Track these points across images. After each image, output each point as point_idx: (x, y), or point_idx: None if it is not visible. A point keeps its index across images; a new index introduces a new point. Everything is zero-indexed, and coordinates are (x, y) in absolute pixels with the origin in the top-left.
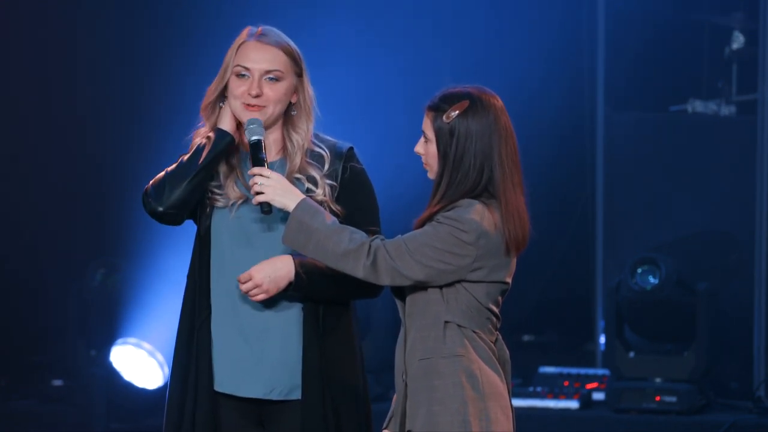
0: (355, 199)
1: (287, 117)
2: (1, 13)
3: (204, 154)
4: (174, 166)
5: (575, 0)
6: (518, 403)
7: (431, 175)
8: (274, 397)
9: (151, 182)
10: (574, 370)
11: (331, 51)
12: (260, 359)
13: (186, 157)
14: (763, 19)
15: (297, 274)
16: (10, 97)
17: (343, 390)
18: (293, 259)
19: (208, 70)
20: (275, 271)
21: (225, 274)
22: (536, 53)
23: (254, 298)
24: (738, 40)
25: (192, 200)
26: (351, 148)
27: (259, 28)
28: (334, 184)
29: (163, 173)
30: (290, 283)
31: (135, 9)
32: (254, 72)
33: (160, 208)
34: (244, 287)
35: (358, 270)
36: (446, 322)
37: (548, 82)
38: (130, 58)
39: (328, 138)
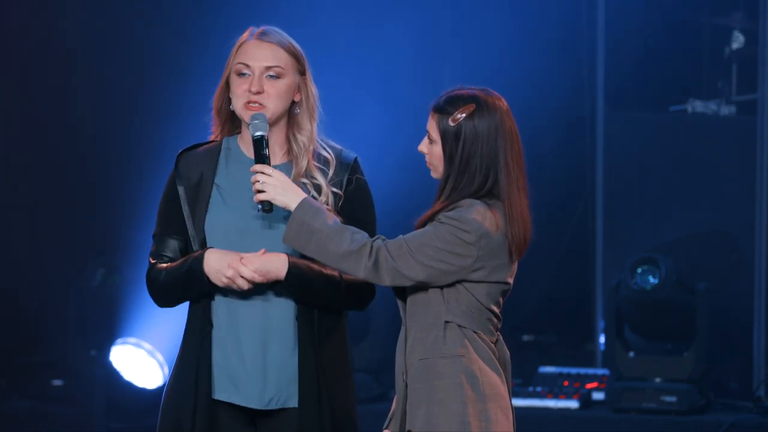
0: (356, 212)
1: (291, 117)
2: None
3: (183, 287)
4: (163, 282)
5: (575, 0)
6: (518, 402)
7: (434, 174)
8: (272, 406)
9: (149, 277)
10: (574, 370)
11: (331, 51)
12: (259, 370)
13: (173, 277)
14: (763, 19)
15: (288, 273)
16: (9, 96)
17: (338, 398)
18: (288, 258)
19: (205, 71)
20: (265, 265)
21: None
22: (536, 53)
23: (237, 287)
24: (738, 40)
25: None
26: (356, 159)
27: (261, 28)
28: (339, 192)
29: (159, 277)
30: (280, 281)
31: (133, 9)
32: (255, 69)
33: (165, 308)
34: (230, 273)
35: (360, 270)
36: (446, 322)
37: (548, 82)
38: (128, 58)
39: (335, 145)
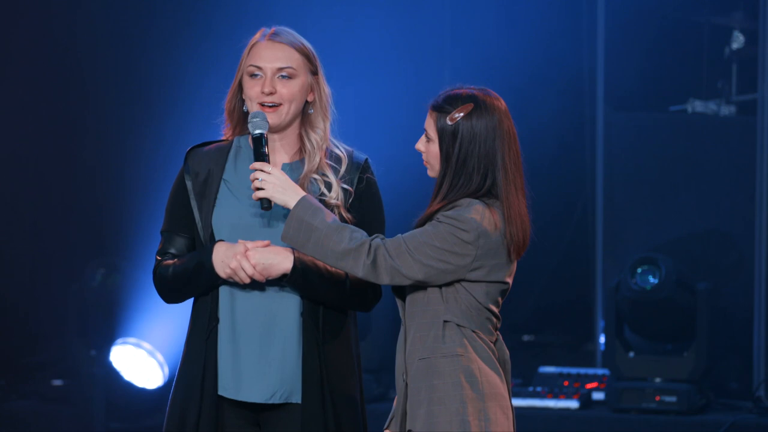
0: (366, 211)
1: (305, 117)
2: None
3: (191, 280)
4: (172, 276)
5: (575, 0)
6: (518, 402)
7: (431, 173)
8: (274, 401)
9: (156, 273)
10: (574, 370)
11: (331, 52)
12: (261, 364)
13: (182, 270)
14: (763, 19)
15: (294, 268)
16: (9, 97)
17: (342, 395)
18: (294, 253)
19: (205, 73)
20: (269, 259)
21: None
22: (536, 53)
23: (239, 279)
24: (738, 40)
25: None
26: (367, 159)
27: (272, 29)
28: (349, 189)
29: (167, 273)
30: (285, 276)
31: (133, 9)
32: (266, 70)
33: (168, 305)
34: (233, 264)
35: (358, 269)
36: (445, 321)
37: (548, 83)
38: (127, 60)
39: (347, 146)
